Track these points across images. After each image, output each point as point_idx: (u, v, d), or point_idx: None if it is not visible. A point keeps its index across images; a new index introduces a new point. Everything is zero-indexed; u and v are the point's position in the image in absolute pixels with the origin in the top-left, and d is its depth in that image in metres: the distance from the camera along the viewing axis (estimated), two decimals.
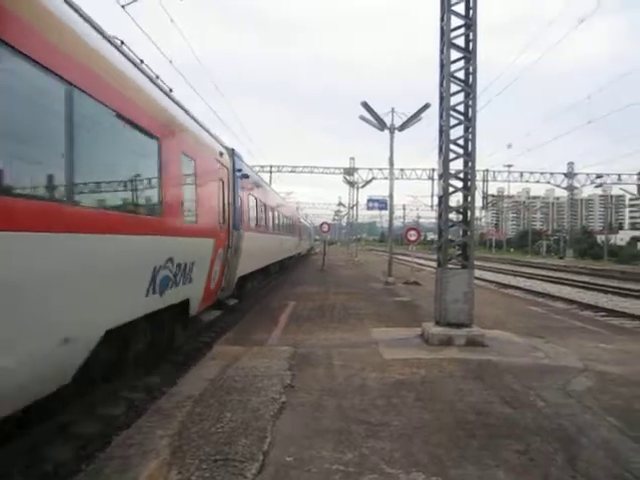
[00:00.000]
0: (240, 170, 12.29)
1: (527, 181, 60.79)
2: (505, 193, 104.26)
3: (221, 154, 10.46)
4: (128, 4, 11.36)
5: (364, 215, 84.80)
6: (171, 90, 7.83)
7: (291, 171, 59.83)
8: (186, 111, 8.42)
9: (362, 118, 20.98)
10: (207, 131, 9.87)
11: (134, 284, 5.76)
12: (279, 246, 22.10)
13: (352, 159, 57.35)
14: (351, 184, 51.69)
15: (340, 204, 79.62)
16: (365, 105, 20.16)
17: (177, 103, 7.95)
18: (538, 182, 60.68)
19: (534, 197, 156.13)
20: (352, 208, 55.16)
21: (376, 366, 7.03)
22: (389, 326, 10.44)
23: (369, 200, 31.87)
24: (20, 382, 3.82)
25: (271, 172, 57.40)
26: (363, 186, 49.81)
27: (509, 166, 60.85)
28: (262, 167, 54.48)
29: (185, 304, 7.82)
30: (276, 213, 21.00)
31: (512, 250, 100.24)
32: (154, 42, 12.73)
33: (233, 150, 11.80)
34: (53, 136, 4.22)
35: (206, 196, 8.84)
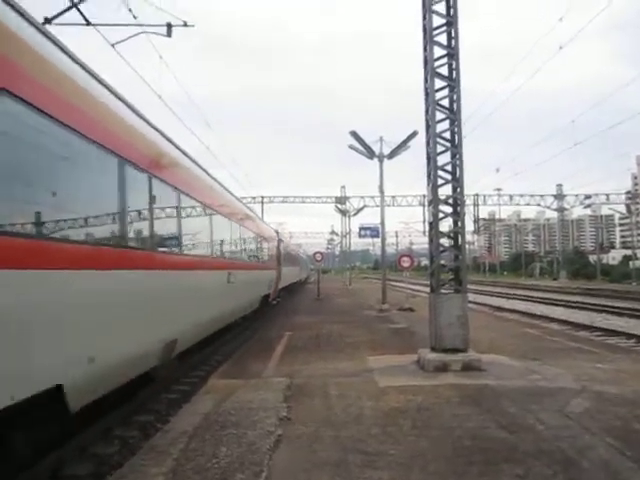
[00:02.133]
0: (280, 240, 27.25)
1: (517, 204, 61.55)
2: (496, 216, 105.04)
3: (276, 232, 26.37)
4: (118, 43, 11.57)
5: (357, 243, 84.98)
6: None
7: (282, 201, 60.18)
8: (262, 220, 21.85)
9: (351, 147, 21.23)
10: (268, 225, 24.17)
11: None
12: (296, 273, 40.69)
13: (343, 188, 57.72)
14: (343, 213, 51.87)
15: (333, 233, 79.90)
16: (354, 134, 20.42)
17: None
18: (528, 204, 61.39)
19: (525, 219, 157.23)
20: (345, 237, 55.33)
21: (372, 395, 6.96)
22: (384, 354, 10.38)
23: (361, 228, 31.89)
24: None
25: (262, 203, 57.68)
26: (355, 214, 49.98)
27: (498, 190, 61.47)
28: (253, 198, 54.76)
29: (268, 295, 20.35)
30: (293, 254, 38.75)
31: (506, 273, 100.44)
32: (144, 78, 12.93)
33: (277, 230, 28.22)
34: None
35: (275, 253, 23.19)
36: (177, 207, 8.25)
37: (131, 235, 6.43)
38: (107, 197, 5.79)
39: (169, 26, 11.39)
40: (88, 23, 10.09)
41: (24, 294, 3.94)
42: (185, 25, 11.56)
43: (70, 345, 4.61)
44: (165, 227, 7.76)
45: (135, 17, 11.02)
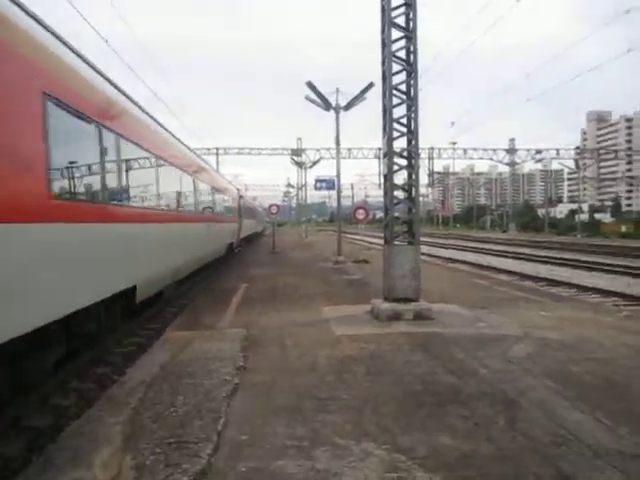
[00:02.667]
0: (241, 196, 31.58)
1: (471, 158, 62.68)
2: (450, 170, 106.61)
3: (237, 189, 31.15)
4: None
5: (313, 195, 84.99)
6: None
7: (238, 153, 59.27)
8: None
9: (308, 99, 20.90)
10: (231, 183, 30.57)
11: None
12: (254, 225, 42.59)
13: (299, 140, 57.16)
14: (299, 165, 51.60)
15: (289, 185, 79.54)
16: (310, 85, 20.10)
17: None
18: (481, 159, 62.63)
19: (478, 173, 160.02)
20: (301, 189, 55.21)
21: (327, 343, 7.16)
22: (339, 304, 10.61)
23: (317, 180, 31.78)
24: None
25: (217, 154, 56.60)
26: (311, 167, 49.87)
27: (453, 144, 62.27)
28: (208, 149, 53.63)
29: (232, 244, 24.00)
30: (251, 208, 41.57)
31: (458, 226, 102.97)
32: (90, 23, 12.26)
33: (238, 188, 32.70)
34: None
35: (237, 207, 26.91)
36: (180, 179, 12.26)
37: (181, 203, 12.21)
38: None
39: None
40: None
41: (128, 236, 7.71)
42: None
43: (141, 265, 8.44)
44: (170, 196, 11.25)
45: None
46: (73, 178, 6.02)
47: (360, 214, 22.16)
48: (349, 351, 6.73)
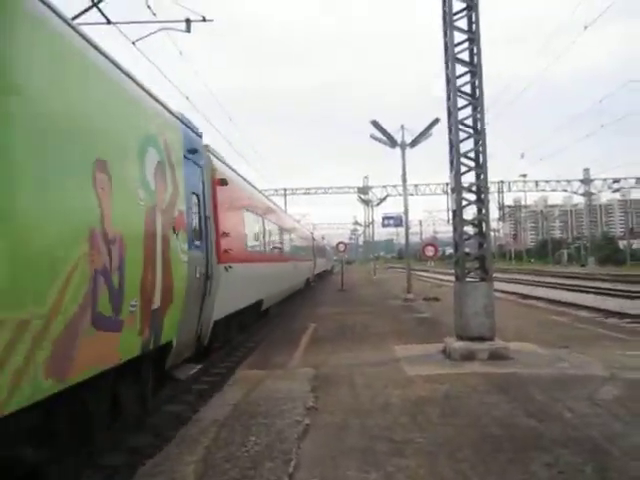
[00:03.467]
0: (314, 239, 37.39)
1: (543, 190, 60.59)
2: (522, 203, 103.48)
3: (311, 233, 38.52)
4: (138, 40, 11.69)
5: (381, 233, 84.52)
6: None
7: (305, 193, 60.23)
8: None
9: (373, 137, 21.15)
10: (307, 229, 38.58)
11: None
12: (324, 263, 49.25)
13: (366, 178, 57.41)
14: (366, 203, 51.74)
15: (356, 223, 79.77)
16: (375, 123, 20.34)
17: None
18: (555, 190, 60.38)
19: (552, 205, 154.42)
20: (368, 226, 55.21)
21: (399, 383, 6.99)
22: (410, 343, 10.39)
23: (384, 218, 31.82)
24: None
25: (285, 195, 57.84)
26: (378, 204, 49.89)
27: (524, 176, 60.51)
28: (276, 190, 54.94)
29: (309, 278, 31.43)
30: (322, 248, 48.48)
31: (532, 260, 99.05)
32: (168, 78, 13.07)
33: (312, 232, 40.16)
34: None
35: (311, 249, 33.65)
36: (286, 234, 20.07)
37: (282, 249, 18.17)
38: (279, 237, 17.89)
39: (188, 21, 11.45)
40: (109, 22, 10.20)
41: (263, 271, 13.74)
42: (204, 20, 11.60)
43: (267, 287, 14.08)
44: (280, 246, 17.81)
45: (154, 14, 11.12)
46: (251, 242, 12.45)
47: (429, 251, 21.89)
48: (422, 392, 6.53)
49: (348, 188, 59.93)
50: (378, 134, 20.84)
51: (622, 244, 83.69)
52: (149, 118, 5.88)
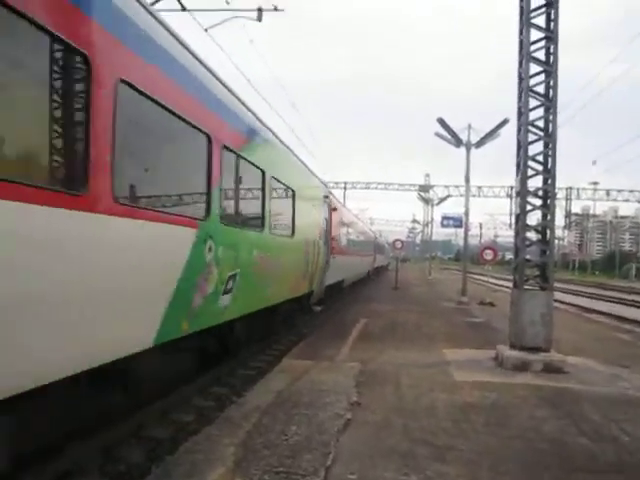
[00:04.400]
0: (376, 237, 43.40)
1: (615, 200, 57.46)
2: (590, 212, 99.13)
3: (374, 232, 43.47)
4: (211, 27, 11.91)
5: (439, 233, 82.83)
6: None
7: (365, 187, 59.86)
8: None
9: (438, 135, 20.73)
10: (370, 229, 42.53)
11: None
12: (383, 259, 52.39)
13: (427, 176, 56.73)
14: (426, 201, 50.99)
15: (414, 221, 78.76)
16: (441, 121, 19.93)
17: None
18: (627, 201, 57.09)
19: (622, 217, 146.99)
20: (426, 225, 54.39)
21: (445, 388, 6.84)
22: (461, 347, 10.14)
23: (444, 217, 31.13)
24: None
25: (345, 189, 57.74)
26: (438, 203, 48.90)
27: (594, 184, 57.82)
28: (336, 184, 54.92)
29: (369, 271, 37.92)
30: (381, 245, 49.39)
31: (597, 273, 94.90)
32: (234, 63, 13.27)
33: (374, 232, 45.18)
34: None
35: (373, 246, 38.24)
36: (357, 236, 26.59)
37: (356, 247, 25.82)
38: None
39: (260, 10, 11.56)
40: (184, 9, 10.44)
41: (348, 260, 21.41)
42: (275, 9, 11.68)
43: (347, 272, 20.97)
44: (355, 244, 24.86)
45: (227, 2, 11.29)
46: (343, 243, 19.89)
47: (488, 254, 21.26)
48: (469, 398, 6.35)
49: (409, 185, 59.09)
50: (443, 132, 20.41)
51: None
52: (317, 186, 13.79)
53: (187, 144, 5.53)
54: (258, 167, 7.74)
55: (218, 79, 6.35)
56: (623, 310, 24.70)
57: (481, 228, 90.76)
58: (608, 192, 56.15)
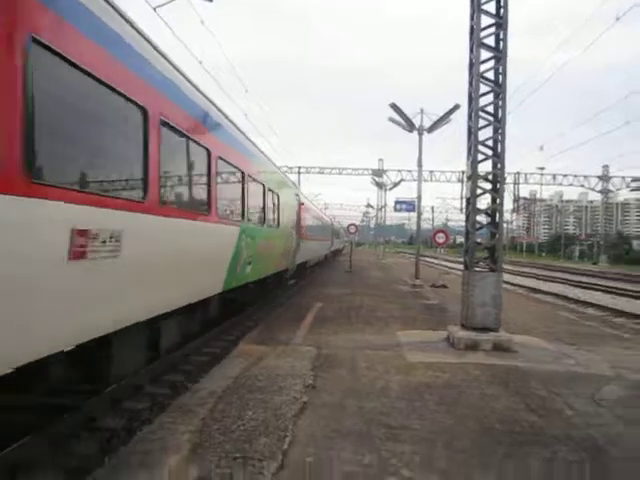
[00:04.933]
0: (332, 224, 45.23)
1: (560, 184, 59.56)
2: (537, 196, 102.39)
3: (331, 219, 47.84)
4: (160, 6, 11.52)
5: (392, 217, 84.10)
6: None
7: (319, 172, 59.85)
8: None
9: (391, 120, 20.86)
10: (327, 216, 45.83)
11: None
12: (339, 243, 54.88)
13: (381, 160, 56.91)
14: (379, 185, 51.43)
15: (368, 205, 79.42)
16: (394, 106, 20.04)
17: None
18: (571, 185, 59.31)
19: (567, 201, 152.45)
20: (380, 210, 54.96)
21: (400, 369, 6.95)
22: (415, 329, 10.33)
23: (397, 202, 31.52)
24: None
25: (299, 173, 57.56)
26: (391, 188, 49.54)
27: (541, 169, 59.66)
28: (290, 168, 54.66)
29: (327, 254, 41.68)
30: (337, 231, 50.64)
31: (544, 255, 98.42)
32: (185, 44, 12.90)
33: (332, 217, 51.67)
34: None
35: (331, 232, 41.44)
36: (318, 223, 30.02)
37: (317, 233, 28.74)
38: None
39: None
40: None
41: (315, 245, 26.14)
42: None
43: (311, 253, 24.33)
44: (316, 230, 28.01)
45: None
46: (309, 230, 23.10)
47: (440, 238, 21.68)
48: (423, 378, 6.48)
49: (363, 170, 59.45)
50: (397, 117, 20.54)
51: (636, 244, 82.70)
52: (290, 187, 17.40)
53: (254, 190, 10.76)
54: (261, 182, 11.37)
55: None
56: (567, 290, 25.77)
57: (433, 212, 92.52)
58: (554, 176, 58.13)
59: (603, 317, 15.44)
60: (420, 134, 20.89)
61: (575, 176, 58.27)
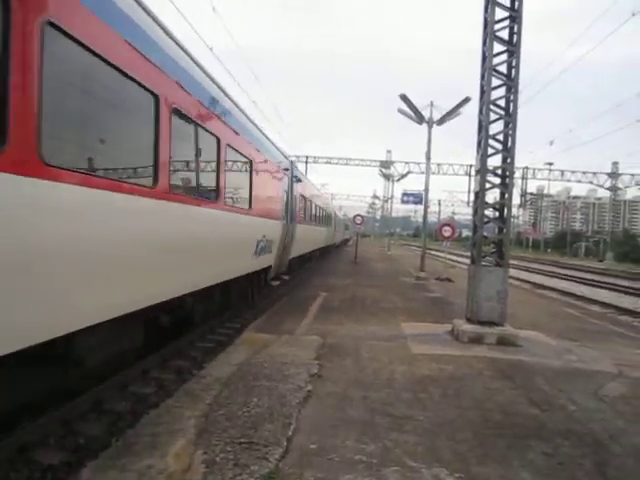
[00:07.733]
0: (337, 216, 44.22)
1: (568, 180, 59.07)
2: (545, 192, 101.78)
3: (334, 211, 41.53)
4: None
5: (399, 209, 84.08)
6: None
7: (327, 162, 59.66)
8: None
9: (400, 111, 20.78)
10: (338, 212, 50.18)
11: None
12: (343, 234, 56.19)
13: (389, 152, 56.76)
14: (386, 177, 51.31)
15: (375, 197, 79.27)
16: (404, 98, 19.95)
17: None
18: (580, 182, 58.80)
19: (575, 197, 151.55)
20: (387, 201, 54.84)
21: (404, 360, 7.00)
22: (419, 321, 10.37)
23: (404, 194, 31.48)
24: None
25: (307, 163, 57.39)
26: (399, 180, 49.34)
27: (550, 164, 59.16)
28: (298, 157, 54.53)
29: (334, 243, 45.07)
30: (345, 223, 54.76)
31: (549, 251, 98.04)
32: (196, 30, 12.87)
33: (335, 209, 46.16)
34: None
35: (336, 222, 41.71)
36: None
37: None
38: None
39: None
40: None
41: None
42: None
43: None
44: (325, 218, 28.71)
45: None
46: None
47: (446, 231, 21.63)
48: (426, 371, 6.53)
49: (370, 161, 59.17)
50: (406, 109, 20.46)
51: None
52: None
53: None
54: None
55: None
56: (572, 286, 25.71)
57: (440, 205, 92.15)
58: (562, 172, 57.67)
59: (607, 314, 15.42)
60: (429, 126, 20.81)
61: (584, 172, 57.80)
